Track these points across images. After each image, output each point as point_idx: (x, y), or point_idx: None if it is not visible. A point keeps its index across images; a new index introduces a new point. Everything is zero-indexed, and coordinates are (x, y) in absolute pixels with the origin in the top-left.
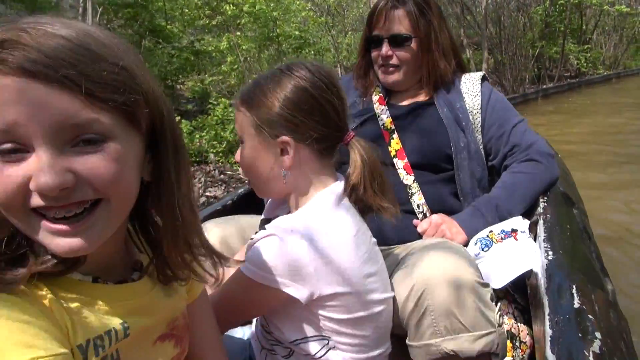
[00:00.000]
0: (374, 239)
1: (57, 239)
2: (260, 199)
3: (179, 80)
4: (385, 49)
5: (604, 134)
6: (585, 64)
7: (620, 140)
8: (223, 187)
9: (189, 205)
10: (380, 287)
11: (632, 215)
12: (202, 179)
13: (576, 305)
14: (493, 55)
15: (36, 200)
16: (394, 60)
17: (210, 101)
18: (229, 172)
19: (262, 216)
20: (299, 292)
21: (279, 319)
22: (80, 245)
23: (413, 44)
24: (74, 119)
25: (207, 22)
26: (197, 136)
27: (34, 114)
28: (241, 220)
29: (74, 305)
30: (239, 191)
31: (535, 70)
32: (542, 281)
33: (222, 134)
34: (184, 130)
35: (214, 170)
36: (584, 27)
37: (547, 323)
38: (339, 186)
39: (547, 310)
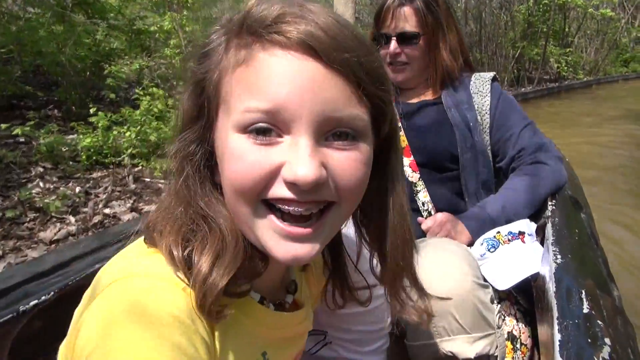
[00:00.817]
0: None
1: (285, 243)
2: None
3: (114, 64)
4: (394, 46)
5: (591, 147)
6: (565, 68)
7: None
8: (132, 201)
9: (401, 221)
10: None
11: None
12: (109, 188)
13: (585, 310)
14: (472, 53)
15: (281, 191)
16: (403, 58)
17: (138, 91)
18: (146, 179)
19: None
20: None
21: None
22: (305, 253)
23: (421, 42)
24: (341, 110)
25: None
26: (113, 133)
27: (306, 97)
28: None
29: (242, 325)
30: None
31: (515, 71)
32: (550, 285)
33: (147, 131)
34: (100, 125)
35: (128, 176)
36: (566, 29)
37: (556, 327)
38: None
39: (555, 314)
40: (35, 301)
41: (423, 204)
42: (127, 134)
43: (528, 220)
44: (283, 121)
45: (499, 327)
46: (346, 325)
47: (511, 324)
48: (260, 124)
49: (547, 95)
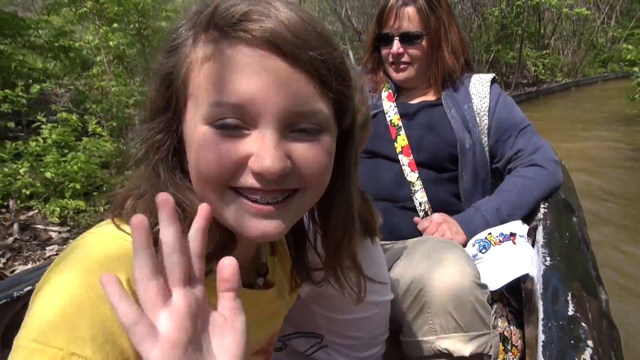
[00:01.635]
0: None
1: (254, 220)
2: None
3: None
4: (397, 46)
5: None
6: (543, 71)
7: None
8: (4, 260)
9: (353, 209)
10: (380, 289)
11: None
12: None
13: (570, 312)
14: None
15: (248, 181)
16: (405, 58)
17: (39, 117)
18: (38, 226)
19: None
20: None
21: None
22: (273, 229)
23: (424, 42)
24: (305, 105)
25: (76, 9)
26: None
27: (272, 93)
28: None
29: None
30: None
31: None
32: (537, 286)
33: (40, 169)
34: None
35: (12, 224)
36: (542, 31)
37: (540, 328)
38: None
39: (540, 315)
40: (29, 287)
41: (420, 203)
42: (22, 170)
43: (520, 222)
44: (250, 116)
45: (494, 328)
46: (345, 330)
47: (503, 326)
48: (228, 119)
49: (526, 101)
